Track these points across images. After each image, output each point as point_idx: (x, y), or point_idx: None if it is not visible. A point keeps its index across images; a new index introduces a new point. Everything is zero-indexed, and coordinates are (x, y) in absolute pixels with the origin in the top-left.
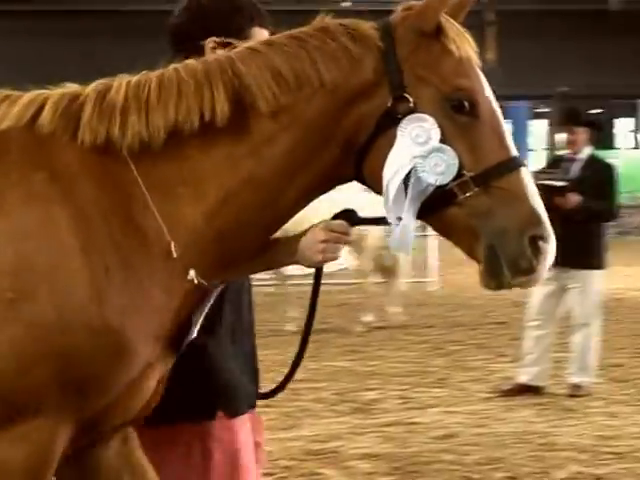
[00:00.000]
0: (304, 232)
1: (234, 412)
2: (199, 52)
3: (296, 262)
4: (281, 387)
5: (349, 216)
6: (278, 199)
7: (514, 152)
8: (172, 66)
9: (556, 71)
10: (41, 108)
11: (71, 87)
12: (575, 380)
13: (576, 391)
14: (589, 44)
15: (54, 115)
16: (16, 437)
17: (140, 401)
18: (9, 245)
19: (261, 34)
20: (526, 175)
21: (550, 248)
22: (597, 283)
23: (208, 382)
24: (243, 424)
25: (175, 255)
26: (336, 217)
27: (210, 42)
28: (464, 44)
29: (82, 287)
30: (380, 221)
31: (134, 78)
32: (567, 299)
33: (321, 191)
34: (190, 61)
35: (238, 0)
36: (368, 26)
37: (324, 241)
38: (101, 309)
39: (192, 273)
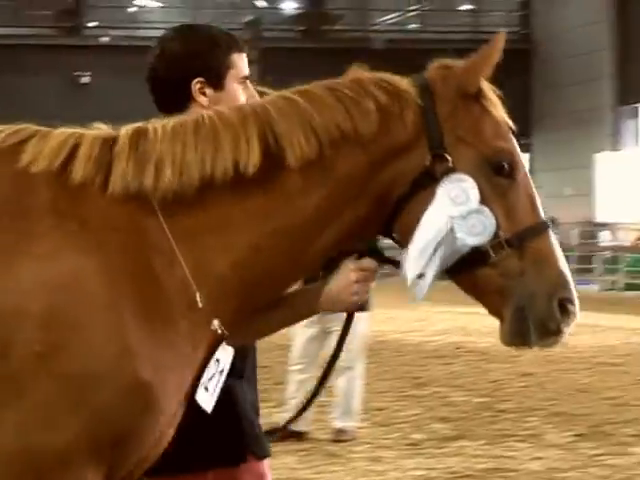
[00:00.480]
0: (333, 278)
1: (263, 453)
2: (183, 94)
3: (325, 309)
4: (284, 427)
5: (375, 255)
6: (306, 251)
7: (543, 215)
8: (206, 113)
9: None
10: (74, 151)
11: (102, 129)
12: (339, 425)
13: (340, 436)
14: None
15: (87, 162)
16: None
17: (161, 450)
18: (40, 295)
19: (240, 59)
20: (553, 238)
21: (576, 310)
22: (360, 326)
23: (237, 425)
24: (268, 466)
25: (200, 305)
26: (362, 256)
27: (197, 83)
28: (499, 106)
29: (113, 341)
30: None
31: (169, 124)
32: (330, 342)
33: (348, 244)
34: (224, 109)
35: (212, 36)
36: (405, 82)
37: (355, 282)
38: (131, 363)
39: (216, 323)
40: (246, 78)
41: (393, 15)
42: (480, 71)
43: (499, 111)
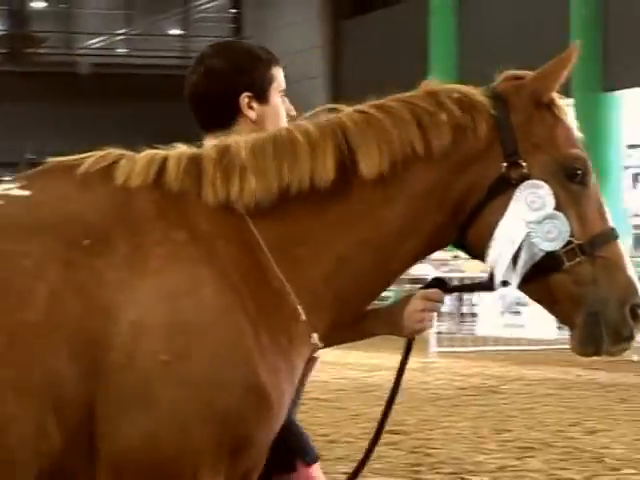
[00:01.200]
0: (399, 303)
1: (313, 459)
2: (230, 110)
3: (391, 332)
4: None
5: (441, 284)
6: (389, 262)
7: (612, 222)
8: (284, 127)
9: (24, 136)
10: (163, 167)
11: (181, 147)
12: None
13: None
14: (61, 107)
15: (179, 175)
16: None
17: (264, 460)
18: (160, 305)
19: (279, 72)
20: (622, 245)
21: None
22: None
23: (287, 432)
24: (318, 468)
25: (303, 318)
26: (428, 286)
27: (245, 97)
28: (569, 114)
29: (232, 348)
30: (474, 288)
31: (249, 138)
32: None
33: (426, 254)
34: (302, 122)
35: (251, 51)
36: (478, 93)
37: (422, 310)
38: (251, 369)
39: (315, 336)
40: (284, 91)
41: (100, 39)
42: (554, 80)
43: (569, 118)
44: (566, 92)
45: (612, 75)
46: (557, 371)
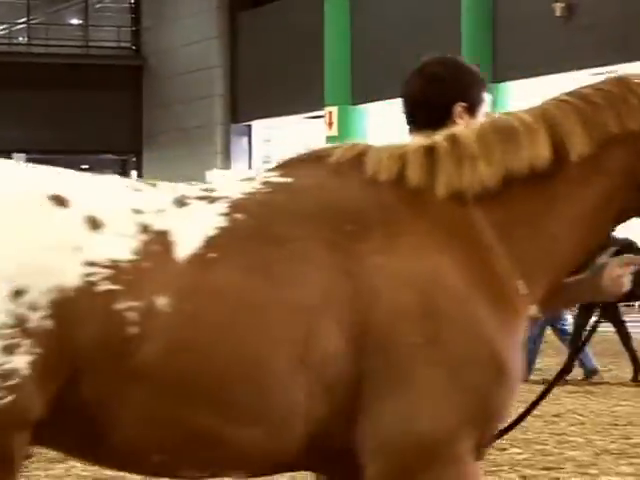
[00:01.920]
0: (599, 270)
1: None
2: (442, 115)
3: (593, 298)
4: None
5: (633, 251)
6: (591, 237)
7: None
8: (497, 116)
9: None
10: (404, 160)
11: (415, 139)
12: None
13: None
14: None
15: (418, 169)
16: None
17: None
18: (411, 290)
19: (487, 97)
20: None
21: None
22: None
23: None
24: None
25: (524, 292)
26: (619, 252)
27: (459, 106)
28: None
29: (478, 328)
30: None
31: (471, 128)
32: None
33: (616, 226)
34: (517, 111)
35: (473, 69)
36: None
37: (621, 275)
38: (494, 346)
39: (534, 308)
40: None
41: (1, 27)
42: None
43: None
44: None
45: (500, 68)
46: None
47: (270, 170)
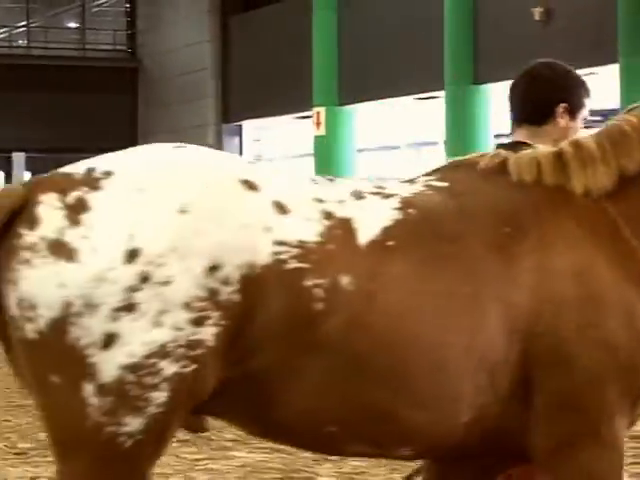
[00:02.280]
0: None
1: None
2: (545, 112)
3: None
4: None
5: None
6: None
7: None
8: (611, 124)
9: None
10: (539, 164)
11: (540, 148)
12: None
13: None
14: None
15: (551, 170)
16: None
17: None
18: (569, 282)
19: (588, 106)
20: None
21: None
22: None
23: None
24: None
25: None
26: None
27: (561, 106)
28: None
29: (630, 311)
30: None
31: (589, 135)
32: None
33: None
34: (625, 117)
35: (578, 76)
36: None
37: None
38: None
39: None
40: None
41: (1, 31)
42: None
43: None
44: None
45: (482, 70)
46: None
47: (427, 174)
